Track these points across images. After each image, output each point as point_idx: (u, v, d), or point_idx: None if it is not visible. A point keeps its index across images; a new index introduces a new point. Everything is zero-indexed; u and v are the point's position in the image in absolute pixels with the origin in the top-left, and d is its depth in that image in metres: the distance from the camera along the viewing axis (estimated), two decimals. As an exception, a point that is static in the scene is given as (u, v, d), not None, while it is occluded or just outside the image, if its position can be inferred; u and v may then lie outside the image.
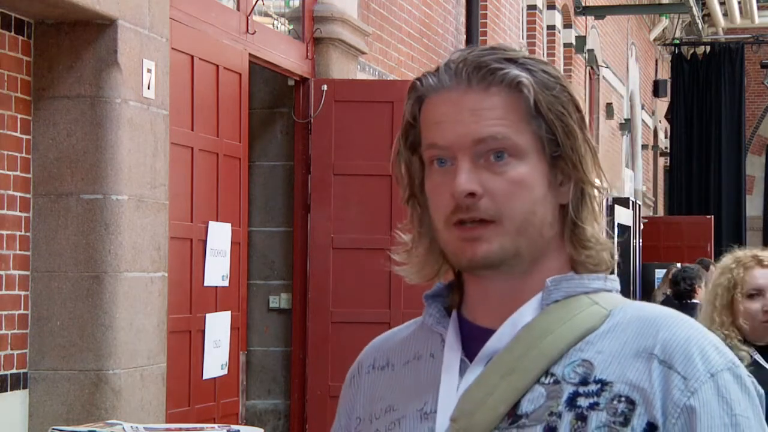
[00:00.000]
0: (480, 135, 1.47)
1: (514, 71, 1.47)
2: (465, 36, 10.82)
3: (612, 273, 1.56)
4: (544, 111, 1.47)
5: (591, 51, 16.74)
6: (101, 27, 5.34)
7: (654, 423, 1.42)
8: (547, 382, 1.46)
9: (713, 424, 1.42)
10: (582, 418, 1.43)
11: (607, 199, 13.65)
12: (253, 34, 7.00)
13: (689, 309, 9.15)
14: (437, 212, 1.51)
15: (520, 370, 1.47)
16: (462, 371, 1.51)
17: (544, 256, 1.51)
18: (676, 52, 22.52)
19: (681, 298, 9.67)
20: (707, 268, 13.78)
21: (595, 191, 1.52)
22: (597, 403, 1.44)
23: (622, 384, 1.44)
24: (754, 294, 3.86)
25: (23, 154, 5.32)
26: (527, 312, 1.50)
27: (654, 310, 1.51)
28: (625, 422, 1.42)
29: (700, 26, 21.18)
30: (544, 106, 1.47)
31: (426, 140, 1.51)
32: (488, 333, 1.51)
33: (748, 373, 1.50)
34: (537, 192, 1.48)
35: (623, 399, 1.43)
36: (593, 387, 1.44)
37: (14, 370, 5.26)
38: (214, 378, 6.46)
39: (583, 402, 1.44)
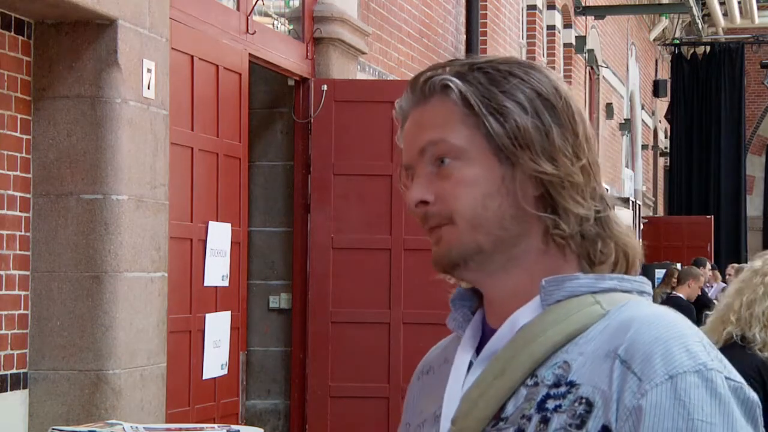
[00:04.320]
0: (421, 144, 1.51)
1: (441, 76, 1.51)
2: (465, 36, 10.82)
3: (628, 272, 1.52)
4: (476, 107, 1.48)
5: (591, 51, 16.74)
6: (101, 27, 5.34)
7: (608, 426, 1.38)
8: (530, 383, 1.45)
9: (661, 428, 1.35)
10: (545, 420, 1.41)
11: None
12: (253, 34, 7.01)
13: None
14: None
15: (509, 372, 1.46)
16: (469, 372, 1.52)
17: (525, 249, 1.50)
18: (676, 52, 22.54)
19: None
20: (702, 267, 13.82)
21: (555, 175, 1.48)
22: (560, 406, 1.41)
23: (587, 386, 1.41)
24: None
25: (23, 154, 5.32)
26: (527, 312, 1.49)
27: (644, 310, 1.46)
28: (581, 425, 1.39)
29: (700, 26, 21.18)
30: (477, 102, 1.48)
31: None
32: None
33: (739, 380, 1.41)
34: (484, 187, 1.48)
35: (584, 401, 1.40)
36: (562, 389, 1.42)
37: (14, 370, 5.26)
38: (214, 378, 6.46)
39: (550, 404, 1.42)
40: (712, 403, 1.37)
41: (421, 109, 1.53)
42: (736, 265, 16.12)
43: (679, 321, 1.44)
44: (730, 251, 20.80)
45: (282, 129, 7.91)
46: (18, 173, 5.29)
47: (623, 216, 14.91)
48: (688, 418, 1.36)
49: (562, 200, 1.49)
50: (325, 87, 7.65)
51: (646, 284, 1.53)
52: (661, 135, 24.82)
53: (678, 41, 22.84)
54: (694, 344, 1.40)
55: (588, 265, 1.51)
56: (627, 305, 1.47)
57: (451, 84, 1.50)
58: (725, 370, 1.40)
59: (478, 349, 1.53)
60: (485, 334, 1.55)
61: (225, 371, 6.56)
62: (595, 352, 1.43)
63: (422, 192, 1.51)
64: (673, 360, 1.38)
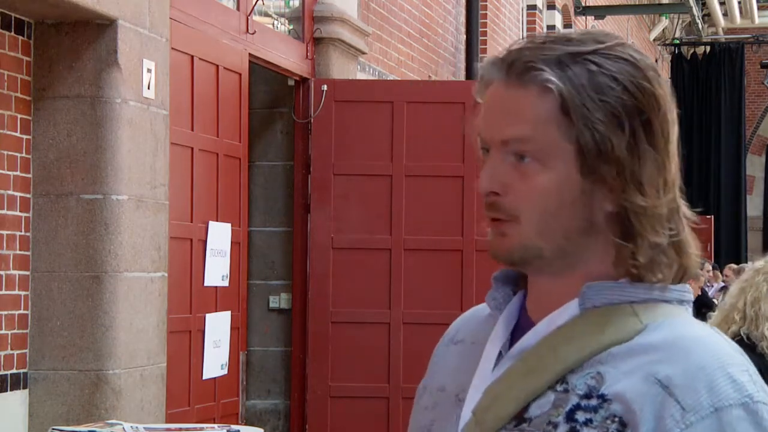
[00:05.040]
0: (506, 135, 1.44)
1: (546, 74, 1.42)
2: (465, 36, 10.82)
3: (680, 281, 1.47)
4: (575, 119, 1.41)
5: (591, 51, 16.72)
6: (101, 27, 5.34)
7: None
8: (559, 389, 1.42)
9: None
10: None
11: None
12: (253, 34, 7.00)
13: None
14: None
15: (538, 373, 1.43)
16: (497, 363, 1.49)
17: (585, 259, 1.46)
18: (676, 52, 22.52)
19: None
20: (701, 267, 13.83)
21: (642, 207, 1.42)
22: (591, 420, 1.38)
23: (620, 404, 1.37)
24: None
25: (23, 154, 5.32)
26: (564, 314, 1.46)
27: (688, 332, 1.42)
28: None
29: (700, 26, 21.17)
30: (577, 113, 1.41)
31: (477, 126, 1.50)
32: (532, 326, 1.48)
33: None
34: (560, 198, 1.43)
35: (616, 419, 1.37)
36: (594, 402, 1.39)
37: (14, 370, 5.26)
38: (214, 378, 6.46)
39: (580, 416, 1.39)
40: None
41: (514, 94, 1.44)
42: (734, 266, 16.11)
43: (724, 346, 1.41)
44: (730, 251, 20.79)
45: (282, 129, 7.91)
46: (18, 173, 5.28)
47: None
48: None
49: (642, 229, 1.43)
50: (325, 87, 7.65)
51: (687, 292, 1.48)
52: (661, 135, 24.80)
53: (678, 41, 22.83)
54: (740, 373, 1.38)
55: (633, 277, 1.46)
56: (667, 321, 1.43)
57: (553, 87, 1.41)
58: None
59: (513, 337, 1.50)
60: (521, 322, 1.51)
61: (225, 371, 6.56)
62: (633, 371, 1.39)
63: (494, 183, 1.45)
64: (719, 391, 1.35)
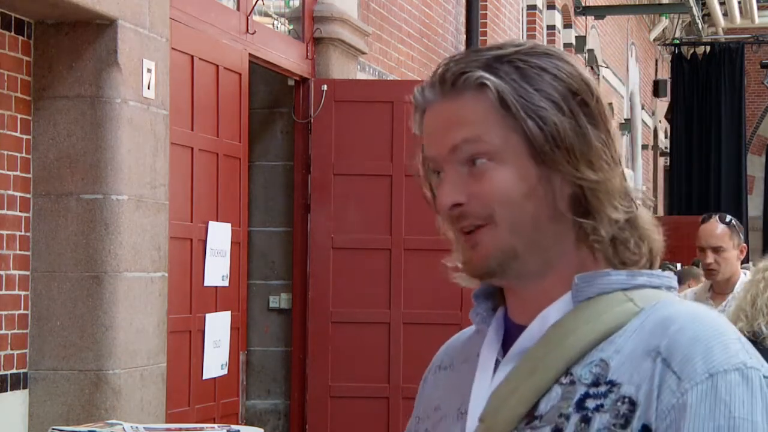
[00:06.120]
0: (453, 142, 1.47)
1: (477, 73, 1.45)
2: (465, 36, 10.82)
3: (656, 267, 1.51)
4: (514, 109, 1.44)
5: (591, 51, 16.75)
6: (101, 27, 5.34)
7: (648, 425, 1.38)
8: (565, 382, 1.44)
9: (701, 427, 1.35)
10: (586, 420, 1.40)
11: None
12: (253, 34, 7.01)
13: None
14: (444, 224, 1.52)
15: (542, 370, 1.44)
16: (496, 369, 1.50)
17: (560, 253, 1.48)
18: (676, 52, 22.50)
19: None
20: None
21: (596, 181, 1.46)
22: (602, 405, 1.40)
23: (629, 385, 1.40)
24: None
25: (23, 154, 5.32)
26: (557, 309, 1.48)
27: (682, 308, 1.45)
28: (626, 424, 1.38)
29: (700, 26, 21.17)
30: (514, 103, 1.44)
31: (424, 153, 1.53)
32: (523, 330, 1.50)
33: None
34: (521, 190, 1.45)
35: (626, 400, 1.39)
36: (603, 388, 1.41)
37: (14, 370, 5.26)
38: (214, 378, 6.46)
39: (590, 404, 1.41)
40: (753, 401, 1.37)
41: (452, 105, 1.48)
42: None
43: (718, 319, 1.44)
44: (730, 251, 20.74)
45: (282, 129, 7.91)
46: (18, 173, 5.29)
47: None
48: (729, 416, 1.36)
49: (600, 205, 1.47)
50: (325, 87, 7.65)
51: (673, 279, 1.52)
52: (661, 135, 24.83)
53: (678, 41, 22.81)
54: (733, 342, 1.40)
55: (620, 266, 1.49)
56: (661, 303, 1.46)
57: (488, 83, 1.45)
58: (763, 368, 1.40)
59: (503, 346, 1.52)
60: (508, 330, 1.53)
61: (225, 371, 6.56)
62: (634, 350, 1.42)
63: (455, 195, 1.47)
64: (713, 358, 1.38)
